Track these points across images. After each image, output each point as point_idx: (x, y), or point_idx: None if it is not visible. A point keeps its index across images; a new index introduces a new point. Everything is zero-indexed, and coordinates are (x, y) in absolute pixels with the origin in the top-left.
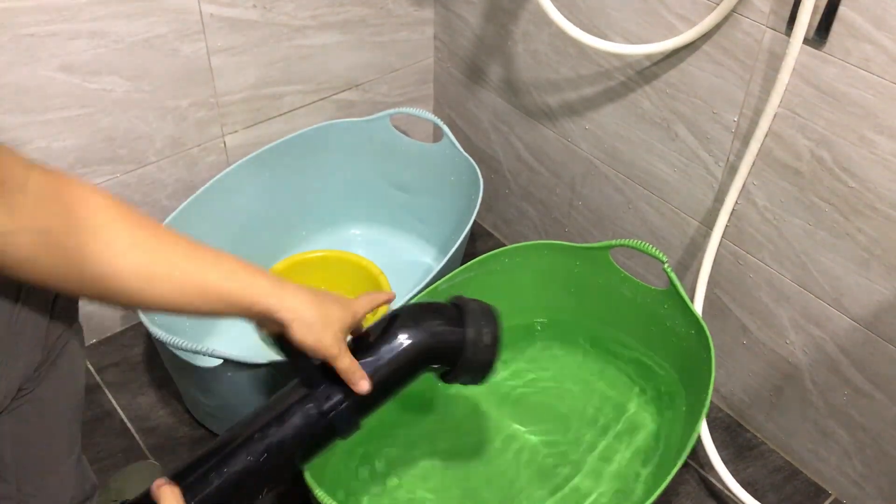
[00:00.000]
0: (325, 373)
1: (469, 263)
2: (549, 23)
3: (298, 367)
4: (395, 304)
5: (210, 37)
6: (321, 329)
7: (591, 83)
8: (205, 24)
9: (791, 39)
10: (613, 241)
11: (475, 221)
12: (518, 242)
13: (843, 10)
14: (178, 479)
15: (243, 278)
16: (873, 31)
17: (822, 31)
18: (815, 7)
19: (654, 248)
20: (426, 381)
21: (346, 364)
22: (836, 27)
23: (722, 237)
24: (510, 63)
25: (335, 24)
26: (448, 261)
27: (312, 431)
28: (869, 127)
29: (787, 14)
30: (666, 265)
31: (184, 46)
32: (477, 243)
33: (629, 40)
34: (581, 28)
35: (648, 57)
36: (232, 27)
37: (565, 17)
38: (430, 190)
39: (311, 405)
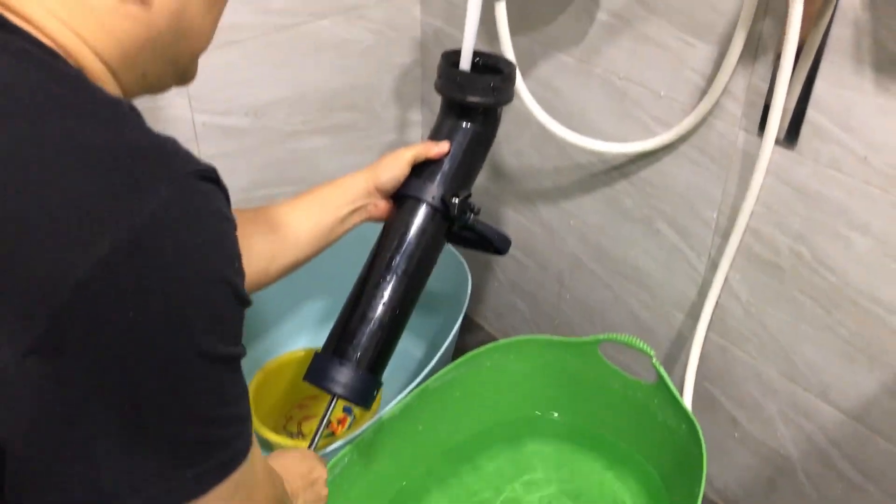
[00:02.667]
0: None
1: (460, 360)
2: (532, 122)
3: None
4: (385, 405)
5: (203, 144)
6: (386, 162)
7: (573, 181)
8: (197, 133)
9: (763, 141)
10: (601, 336)
11: (465, 314)
12: (508, 335)
13: (810, 113)
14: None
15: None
16: (840, 133)
17: (792, 133)
18: (784, 110)
19: (641, 343)
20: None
21: (420, 146)
22: (805, 130)
23: (707, 330)
24: (496, 161)
25: (326, 129)
26: (438, 359)
27: (434, 225)
28: (843, 224)
29: (758, 117)
30: (654, 359)
31: None
32: (467, 336)
33: (608, 141)
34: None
35: (627, 156)
36: (225, 134)
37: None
38: None
39: (423, 207)
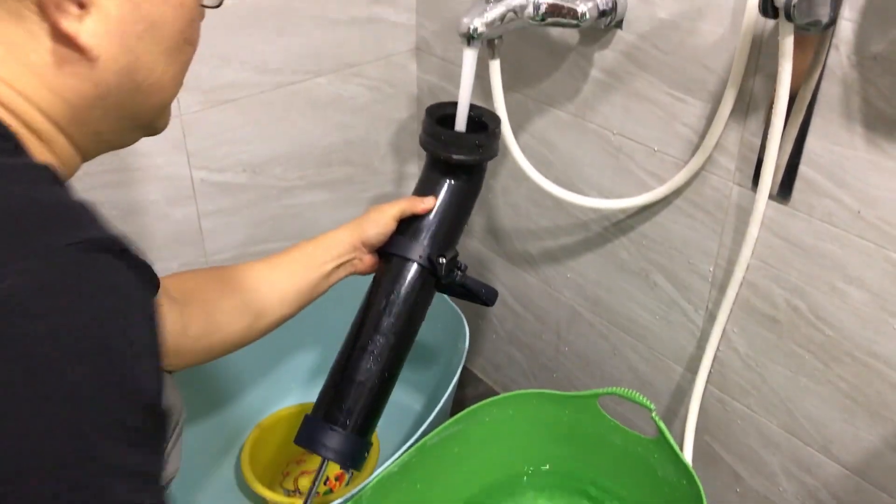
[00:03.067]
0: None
1: (458, 415)
2: (527, 178)
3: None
4: (384, 461)
5: (201, 200)
6: (372, 218)
7: (569, 234)
8: (196, 190)
9: (757, 196)
10: (601, 390)
11: (464, 366)
12: (507, 387)
13: (803, 168)
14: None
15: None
16: (833, 188)
17: (785, 188)
18: (777, 166)
19: (640, 397)
20: None
21: (406, 202)
22: (799, 185)
23: (707, 383)
24: (492, 214)
25: (323, 184)
26: (437, 413)
27: (422, 284)
28: (839, 278)
29: (751, 172)
30: (654, 413)
31: (175, 211)
32: (466, 389)
33: (603, 194)
34: (556, 183)
35: (623, 210)
36: (222, 191)
37: (541, 173)
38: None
39: (410, 266)
